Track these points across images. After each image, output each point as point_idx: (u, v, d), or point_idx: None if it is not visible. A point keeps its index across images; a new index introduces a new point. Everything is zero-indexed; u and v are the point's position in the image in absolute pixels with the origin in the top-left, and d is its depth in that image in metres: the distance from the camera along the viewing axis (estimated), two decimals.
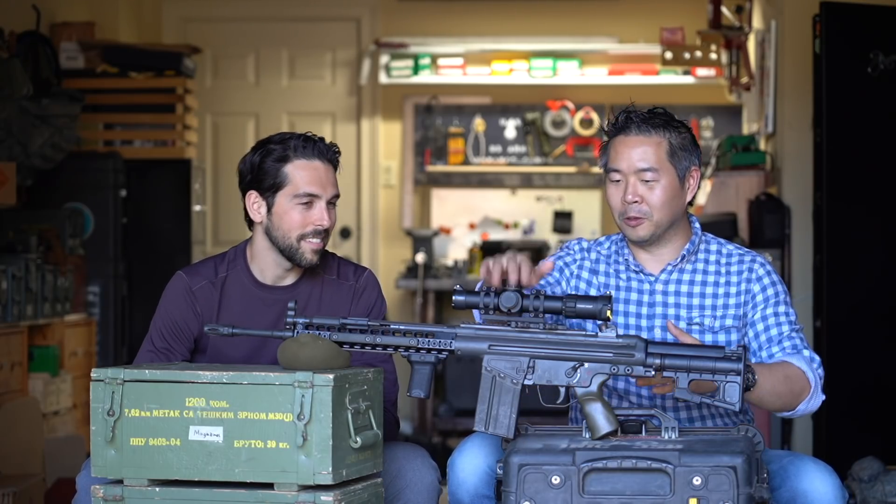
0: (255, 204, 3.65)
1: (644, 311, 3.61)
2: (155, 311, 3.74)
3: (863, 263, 6.12)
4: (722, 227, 6.46)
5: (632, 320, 3.60)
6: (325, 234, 3.65)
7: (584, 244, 3.71)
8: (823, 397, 3.54)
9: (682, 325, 3.58)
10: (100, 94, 7.33)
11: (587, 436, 3.23)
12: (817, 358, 3.54)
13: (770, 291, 3.59)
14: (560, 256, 3.70)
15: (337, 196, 3.67)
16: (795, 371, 3.46)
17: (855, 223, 6.09)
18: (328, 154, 3.65)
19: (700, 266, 3.63)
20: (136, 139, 7.41)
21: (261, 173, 3.62)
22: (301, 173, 3.61)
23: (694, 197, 3.62)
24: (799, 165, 6.49)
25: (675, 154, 3.54)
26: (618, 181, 3.56)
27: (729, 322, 3.59)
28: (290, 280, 3.71)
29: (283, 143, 3.63)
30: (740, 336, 3.57)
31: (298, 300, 3.54)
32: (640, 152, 3.53)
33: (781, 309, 3.58)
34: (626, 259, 3.64)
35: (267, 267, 3.70)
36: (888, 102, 6.10)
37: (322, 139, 3.66)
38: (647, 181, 3.53)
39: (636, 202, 3.53)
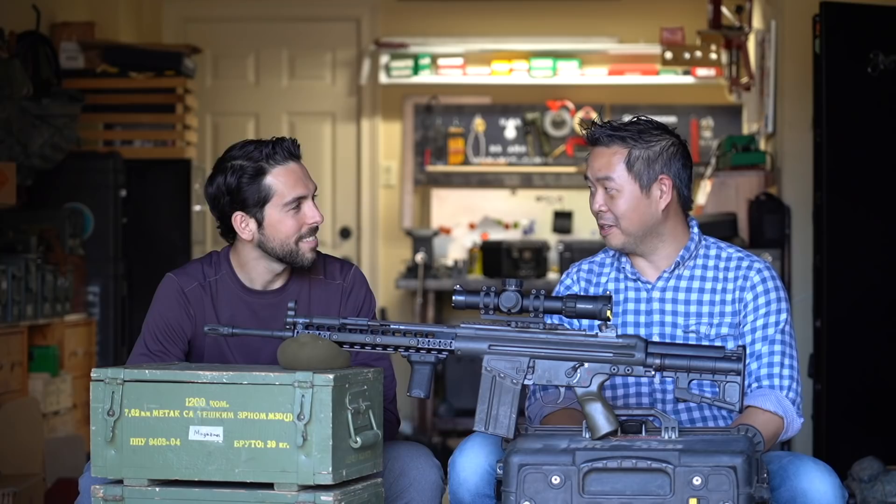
0: (243, 223, 3.62)
1: (642, 319, 3.62)
2: (147, 314, 3.70)
3: (863, 263, 6.12)
4: (722, 227, 6.46)
5: (630, 329, 3.61)
6: (317, 229, 3.67)
7: (585, 266, 3.74)
8: (801, 420, 3.54)
9: (679, 332, 3.59)
10: (100, 94, 7.33)
11: (587, 436, 3.23)
12: (795, 386, 3.52)
13: (762, 300, 3.59)
14: (569, 287, 3.72)
15: (316, 188, 3.68)
16: (765, 418, 3.45)
17: (855, 223, 6.08)
18: (296, 151, 3.64)
19: (698, 272, 3.63)
20: (136, 139, 7.41)
21: (241, 194, 3.59)
22: (282, 180, 3.59)
23: (687, 207, 3.62)
24: (799, 165, 6.49)
25: (634, 165, 3.56)
26: (591, 189, 3.63)
27: (725, 330, 3.59)
28: (278, 284, 3.71)
29: (249, 157, 3.59)
30: (736, 345, 3.56)
31: (286, 302, 3.54)
32: (601, 163, 3.59)
33: (772, 319, 3.58)
34: (622, 267, 3.66)
35: (258, 275, 3.68)
36: (888, 102, 6.09)
37: (283, 139, 3.63)
38: (607, 190, 3.58)
39: (602, 210, 3.59)
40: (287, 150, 3.61)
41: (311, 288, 3.71)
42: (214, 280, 3.68)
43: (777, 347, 3.55)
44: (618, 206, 3.57)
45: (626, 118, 3.67)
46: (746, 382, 3.52)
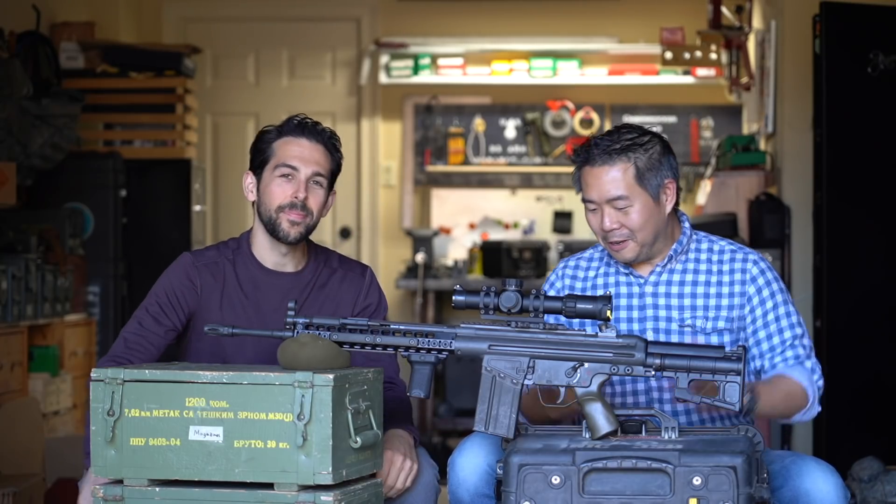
0: (250, 184, 3.73)
1: (635, 314, 3.61)
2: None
3: (863, 263, 6.12)
4: (722, 227, 6.46)
5: (623, 325, 3.60)
6: (303, 208, 3.65)
7: (571, 263, 3.73)
8: (819, 409, 3.55)
9: (674, 326, 3.58)
10: (100, 94, 7.33)
11: (587, 436, 3.23)
12: (818, 369, 3.56)
13: (766, 292, 3.59)
14: (552, 283, 3.72)
15: (320, 175, 3.69)
16: (796, 387, 3.48)
17: (855, 223, 6.08)
18: (319, 135, 3.70)
19: (691, 266, 3.63)
20: (136, 139, 7.42)
21: (255, 152, 3.72)
22: (285, 147, 3.68)
23: (676, 203, 3.61)
24: (799, 165, 6.48)
25: (643, 176, 3.53)
26: (594, 210, 3.57)
27: (721, 324, 3.58)
28: (291, 267, 3.72)
29: (278, 125, 3.72)
30: (733, 338, 3.57)
31: (304, 286, 3.63)
32: (607, 181, 3.52)
33: (781, 311, 3.58)
34: (615, 262, 3.65)
35: (264, 250, 3.73)
36: (888, 102, 6.09)
37: (317, 123, 3.72)
38: (621, 208, 3.53)
39: (615, 228, 3.54)
40: (309, 129, 3.69)
41: (332, 276, 3.74)
42: (230, 259, 3.73)
43: (798, 342, 3.57)
44: (632, 220, 3.53)
45: (605, 129, 3.65)
46: (771, 355, 3.53)
